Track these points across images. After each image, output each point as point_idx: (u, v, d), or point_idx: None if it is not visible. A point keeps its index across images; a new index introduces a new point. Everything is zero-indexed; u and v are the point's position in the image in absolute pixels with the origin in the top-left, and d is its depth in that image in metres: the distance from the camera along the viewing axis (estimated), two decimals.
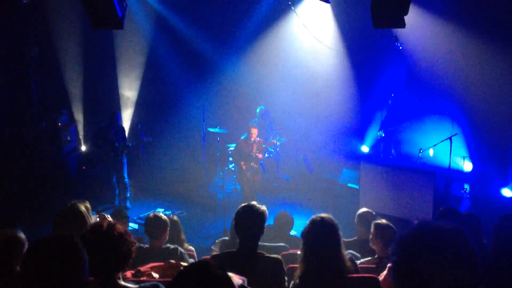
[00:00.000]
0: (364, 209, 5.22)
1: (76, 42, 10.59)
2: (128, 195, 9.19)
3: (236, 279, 2.73)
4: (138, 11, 10.80)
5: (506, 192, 8.60)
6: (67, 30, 10.28)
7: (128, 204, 9.15)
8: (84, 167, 10.96)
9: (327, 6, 10.17)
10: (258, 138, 8.45)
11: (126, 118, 11.41)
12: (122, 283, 2.66)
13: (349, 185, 9.92)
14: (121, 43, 11.14)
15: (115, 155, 8.92)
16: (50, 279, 2.12)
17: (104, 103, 11.34)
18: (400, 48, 9.76)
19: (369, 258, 4.27)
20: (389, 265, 3.39)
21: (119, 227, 2.75)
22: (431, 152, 9.57)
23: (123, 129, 9.27)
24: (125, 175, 9.13)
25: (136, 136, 10.65)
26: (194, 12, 11.02)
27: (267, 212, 3.62)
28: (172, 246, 4.31)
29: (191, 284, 2.22)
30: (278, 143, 10.06)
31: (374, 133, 10.58)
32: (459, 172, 9.54)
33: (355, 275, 3.42)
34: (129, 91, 11.63)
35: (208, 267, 2.28)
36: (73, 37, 10.42)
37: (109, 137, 8.86)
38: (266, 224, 3.60)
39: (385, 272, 3.58)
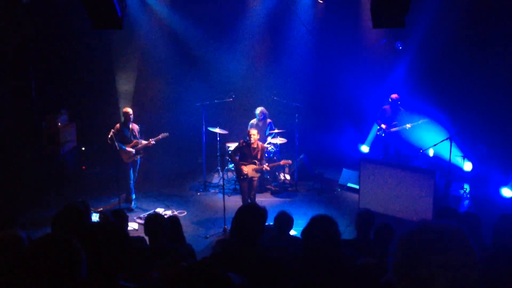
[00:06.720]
0: (364, 209, 5.20)
1: (74, 41, 10.58)
2: (134, 197, 9.07)
3: (236, 279, 2.74)
4: (135, 9, 10.80)
5: (506, 192, 8.59)
6: (66, 29, 10.26)
7: (134, 206, 8.95)
8: (84, 167, 10.95)
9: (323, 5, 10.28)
10: (261, 144, 8.33)
11: None
12: (122, 283, 2.65)
13: (349, 184, 9.91)
14: (117, 40, 11.14)
15: (135, 154, 8.85)
16: (47, 278, 2.14)
17: (102, 101, 11.37)
18: (400, 48, 9.77)
19: (369, 258, 4.25)
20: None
21: (118, 226, 2.75)
22: (431, 152, 9.57)
23: (137, 128, 9.01)
24: (136, 175, 9.12)
25: None
26: (193, 10, 11.00)
27: (267, 212, 3.61)
28: (172, 246, 4.30)
29: (192, 284, 2.24)
30: (278, 143, 10.03)
31: (374, 133, 10.57)
32: (459, 172, 9.53)
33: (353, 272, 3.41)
34: (127, 88, 11.64)
35: (208, 267, 2.31)
36: (72, 35, 10.40)
37: (127, 135, 8.78)
38: (266, 224, 3.59)
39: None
